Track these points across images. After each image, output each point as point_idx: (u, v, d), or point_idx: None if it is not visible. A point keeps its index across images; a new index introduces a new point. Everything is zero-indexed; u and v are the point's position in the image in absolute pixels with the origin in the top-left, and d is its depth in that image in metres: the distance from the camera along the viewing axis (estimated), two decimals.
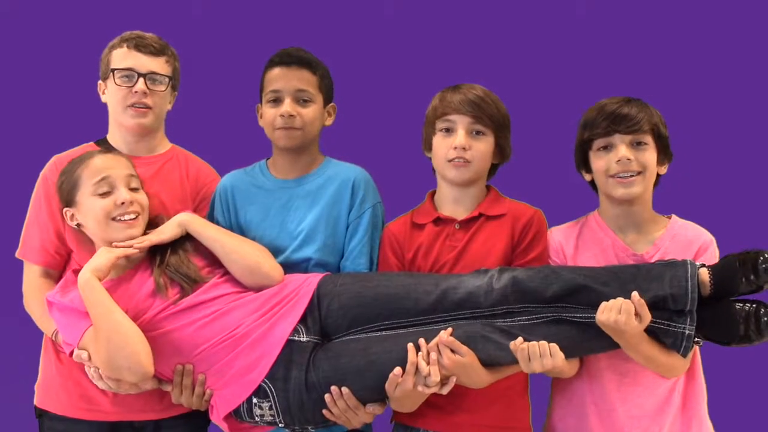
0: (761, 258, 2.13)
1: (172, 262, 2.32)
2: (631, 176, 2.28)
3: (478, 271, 2.29)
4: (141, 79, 2.48)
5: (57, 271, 2.51)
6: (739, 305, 2.16)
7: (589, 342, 2.22)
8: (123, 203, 2.33)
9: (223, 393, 2.29)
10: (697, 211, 2.41)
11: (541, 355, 2.13)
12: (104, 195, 2.34)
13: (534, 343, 2.14)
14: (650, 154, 2.30)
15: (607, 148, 2.31)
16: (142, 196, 2.39)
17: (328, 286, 2.32)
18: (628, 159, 2.27)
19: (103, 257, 2.28)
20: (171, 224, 2.39)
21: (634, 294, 2.13)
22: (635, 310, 2.12)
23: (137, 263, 2.36)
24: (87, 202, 2.35)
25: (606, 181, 2.32)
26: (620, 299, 2.13)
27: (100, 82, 2.57)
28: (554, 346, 2.14)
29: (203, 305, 2.28)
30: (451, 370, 2.18)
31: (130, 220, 2.34)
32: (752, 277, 2.12)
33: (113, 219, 2.33)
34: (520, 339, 2.15)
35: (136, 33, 2.53)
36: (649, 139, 2.30)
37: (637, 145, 2.29)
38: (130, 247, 2.32)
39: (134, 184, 2.39)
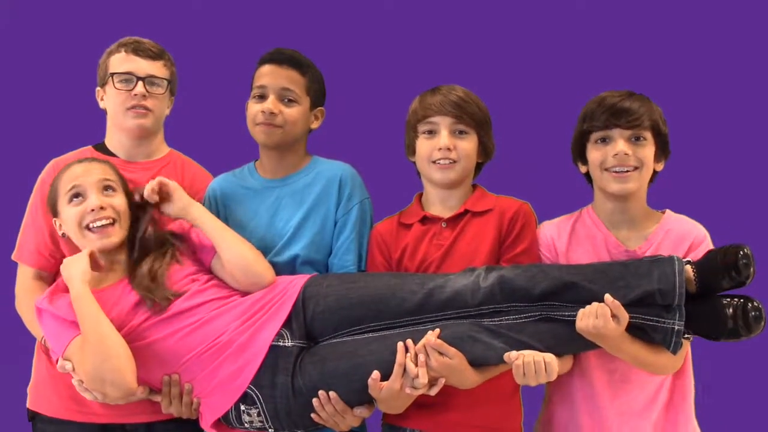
0: (740, 253, 2.11)
1: (145, 284, 2.29)
2: (627, 171, 2.26)
3: (465, 270, 2.26)
4: (140, 83, 2.50)
5: (50, 274, 2.52)
6: (726, 300, 2.14)
7: (578, 340, 2.17)
8: (93, 210, 2.31)
9: (210, 401, 2.27)
10: (692, 205, 2.38)
11: (536, 371, 2.09)
12: (76, 203, 2.33)
13: (529, 357, 2.09)
14: (648, 150, 2.28)
15: (605, 140, 2.29)
16: (117, 200, 2.35)
17: (314, 288, 2.30)
18: (626, 154, 2.25)
19: (81, 259, 2.27)
20: (180, 202, 2.37)
21: (607, 296, 2.11)
22: (611, 312, 2.09)
23: (122, 276, 2.34)
24: (64, 211, 2.35)
25: (601, 175, 2.29)
26: (595, 304, 2.11)
27: (98, 88, 2.59)
28: (550, 360, 2.10)
29: (187, 313, 2.26)
30: (440, 372, 2.15)
31: (104, 227, 2.31)
32: (734, 273, 2.11)
33: (88, 229, 2.31)
34: (514, 353, 2.11)
35: (133, 38, 2.56)
36: (648, 134, 2.28)
37: (635, 140, 2.27)
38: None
39: (109, 186, 2.35)
